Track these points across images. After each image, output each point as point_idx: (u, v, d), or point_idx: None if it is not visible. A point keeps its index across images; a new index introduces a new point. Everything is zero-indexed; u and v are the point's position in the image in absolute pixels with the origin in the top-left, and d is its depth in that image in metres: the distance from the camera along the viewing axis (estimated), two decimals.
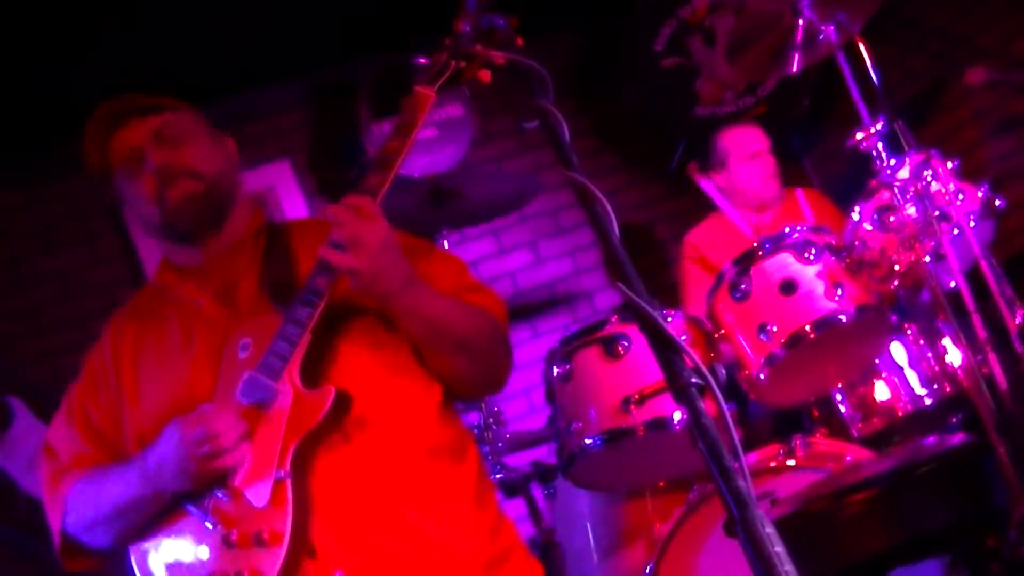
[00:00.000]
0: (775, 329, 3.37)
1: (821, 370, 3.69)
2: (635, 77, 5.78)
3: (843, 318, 3.34)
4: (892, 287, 3.45)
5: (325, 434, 2.28)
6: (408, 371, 2.44)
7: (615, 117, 5.99)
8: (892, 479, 2.57)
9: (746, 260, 3.47)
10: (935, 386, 3.77)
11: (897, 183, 3.40)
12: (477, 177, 5.10)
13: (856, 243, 3.44)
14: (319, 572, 2.25)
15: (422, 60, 4.64)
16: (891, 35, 5.11)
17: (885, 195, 3.43)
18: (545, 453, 4.36)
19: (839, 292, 3.35)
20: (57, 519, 2.47)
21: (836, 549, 2.56)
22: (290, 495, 2.22)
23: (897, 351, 3.81)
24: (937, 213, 3.33)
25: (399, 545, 2.29)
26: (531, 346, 5.36)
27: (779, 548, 1.25)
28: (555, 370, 3.48)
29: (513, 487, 4.11)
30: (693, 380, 1.41)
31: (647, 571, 3.41)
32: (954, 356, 3.69)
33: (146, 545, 2.41)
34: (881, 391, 3.81)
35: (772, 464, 3.41)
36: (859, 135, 3.52)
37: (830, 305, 3.36)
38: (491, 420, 4.11)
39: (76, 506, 2.45)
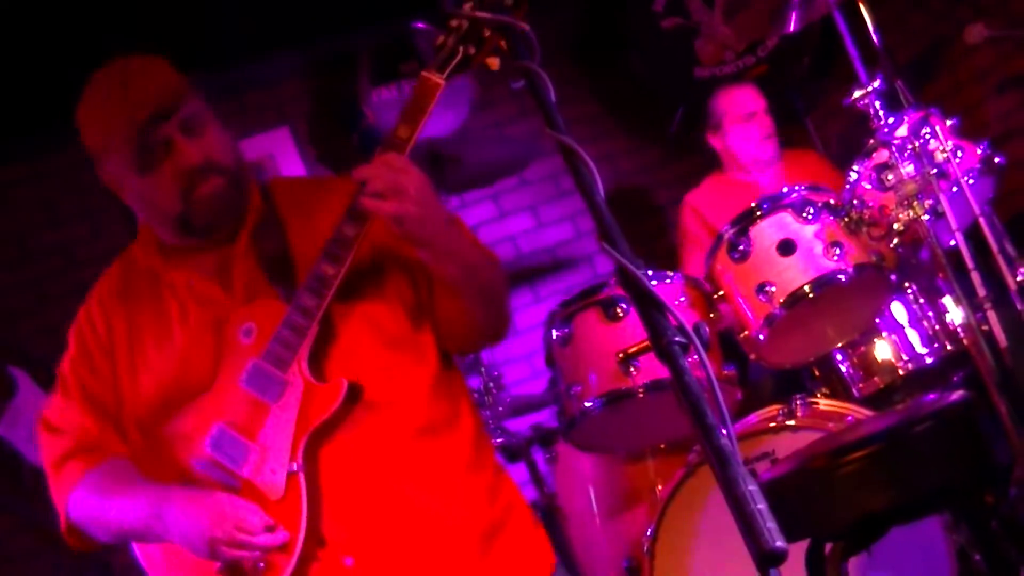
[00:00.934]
0: (774, 289, 3.37)
1: (821, 330, 3.69)
2: (635, 39, 5.75)
3: (842, 277, 3.34)
4: (891, 246, 3.44)
5: (336, 423, 2.27)
6: (405, 343, 2.41)
7: (615, 82, 5.97)
8: (890, 437, 2.56)
9: (744, 220, 3.47)
10: (936, 345, 3.78)
11: (895, 141, 3.38)
12: (477, 141, 5.09)
13: (855, 202, 3.43)
14: (329, 560, 2.25)
15: (420, 25, 4.63)
16: None
17: (883, 153, 3.42)
18: (546, 417, 4.36)
19: (838, 251, 3.35)
20: (63, 505, 2.45)
21: (835, 507, 2.56)
22: (303, 487, 2.23)
23: (897, 310, 3.81)
24: (935, 171, 3.31)
25: (401, 524, 2.29)
26: (532, 310, 5.36)
27: (761, 505, 1.25)
28: (554, 333, 3.48)
29: (514, 452, 4.12)
30: (676, 339, 1.40)
31: (648, 533, 3.42)
32: (954, 314, 3.68)
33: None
34: (882, 350, 3.81)
35: (772, 424, 3.41)
36: (856, 93, 3.50)
37: (829, 264, 3.36)
38: (491, 384, 4.12)
39: (81, 503, 2.42)
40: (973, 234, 3.42)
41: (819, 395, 3.80)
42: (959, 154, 3.40)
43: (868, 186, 3.44)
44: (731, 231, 3.48)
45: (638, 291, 1.44)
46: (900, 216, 3.35)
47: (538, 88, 1.72)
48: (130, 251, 2.57)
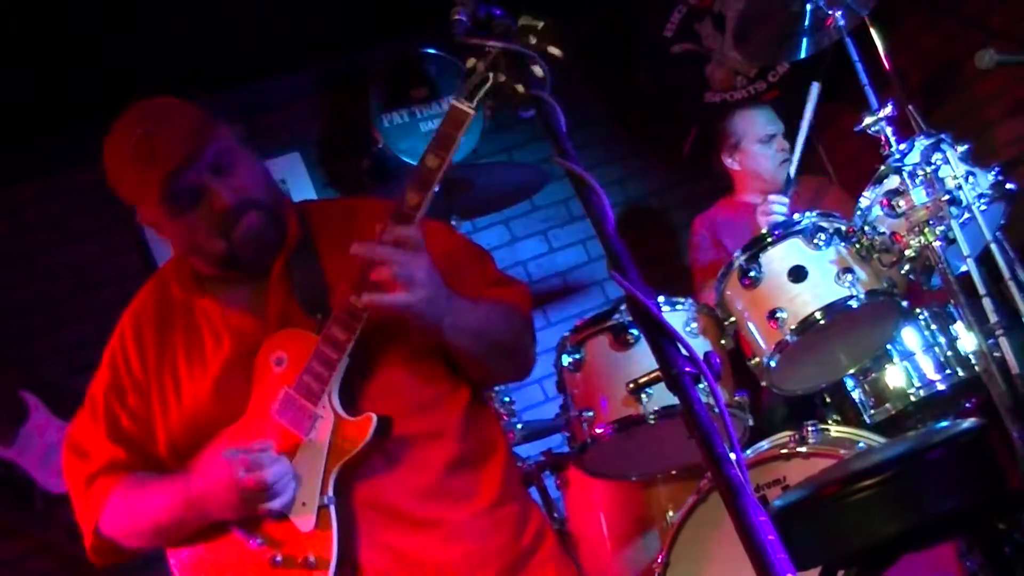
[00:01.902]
0: (785, 315, 3.36)
1: (833, 356, 3.68)
2: (645, 64, 5.77)
3: (854, 303, 3.34)
4: (903, 272, 3.44)
5: (366, 456, 2.28)
6: (439, 377, 2.43)
7: (628, 103, 5.97)
8: (902, 464, 2.56)
9: (755, 246, 3.46)
10: (948, 371, 3.76)
11: (906, 167, 3.38)
12: (488, 166, 5.09)
13: (866, 228, 3.43)
14: None
15: (431, 50, 4.65)
16: (903, 16, 5.08)
17: (895, 180, 3.41)
18: (558, 442, 4.35)
19: (850, 278, 3.35)
20: (91, 520, 2.47)
21: (847, 534, 2.55)
22: (335, 520, 2.25)
23: (909, 336, 3.80)
24: (947, 197, 3.30)
25: (436, 553, 2.31)
26: (544, 335, 5.30)
27: (771, 536, 1.24)
28: (566, 359, 3.48)
29: (526, 477, 4.11)
30: (687, 369, 1.40)
31: (659, 559, 3.41)
32: (966, 341, 3.67)
33: (187, 553, 2.44)
34: (894, 376, 3.79)
35: (784, 451, 3.40)
36: (867, 119, 3.51)
37: (840, 291, 3.35)
38: (503, 411, 4.11)
39: (114, 513, 2.44)
40: (985, 260, 3.41)
41: (831, 421, 3.79)
42: (971, 180, 3.39)
43: (880, 212, 3.44)
44: (742, 257, 3.47)
45: (648, 321, 1.44)
46: (912, 242, 3.35)
47: (548, 117, 1.72)
48: (164, 272, 2.57)
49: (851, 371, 3.78)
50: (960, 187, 3.34)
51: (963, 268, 3.35)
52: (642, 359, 3.30)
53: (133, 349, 2.49)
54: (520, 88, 2.02)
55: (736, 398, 3.45)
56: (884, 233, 3.41)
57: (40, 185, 5.24)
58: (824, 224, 3.45)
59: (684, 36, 5.68)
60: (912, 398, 3.77)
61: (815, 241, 3.41)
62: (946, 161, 3.39)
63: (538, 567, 2.42)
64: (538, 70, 1.92)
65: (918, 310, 3.80)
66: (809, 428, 3.44)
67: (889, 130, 3.48)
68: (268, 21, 5.05)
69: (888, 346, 3.75)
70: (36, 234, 5.22)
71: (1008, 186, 3.46)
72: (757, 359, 3.46)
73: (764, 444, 3.55)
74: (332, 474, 2.26)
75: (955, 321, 3.71)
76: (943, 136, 3.48)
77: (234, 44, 5.05)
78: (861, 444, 3.41)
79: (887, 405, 3.79)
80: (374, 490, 2.31)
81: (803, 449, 3.38)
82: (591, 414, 3.35)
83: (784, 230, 3.45)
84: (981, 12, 4.91)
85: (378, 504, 2.30)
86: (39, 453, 4.49)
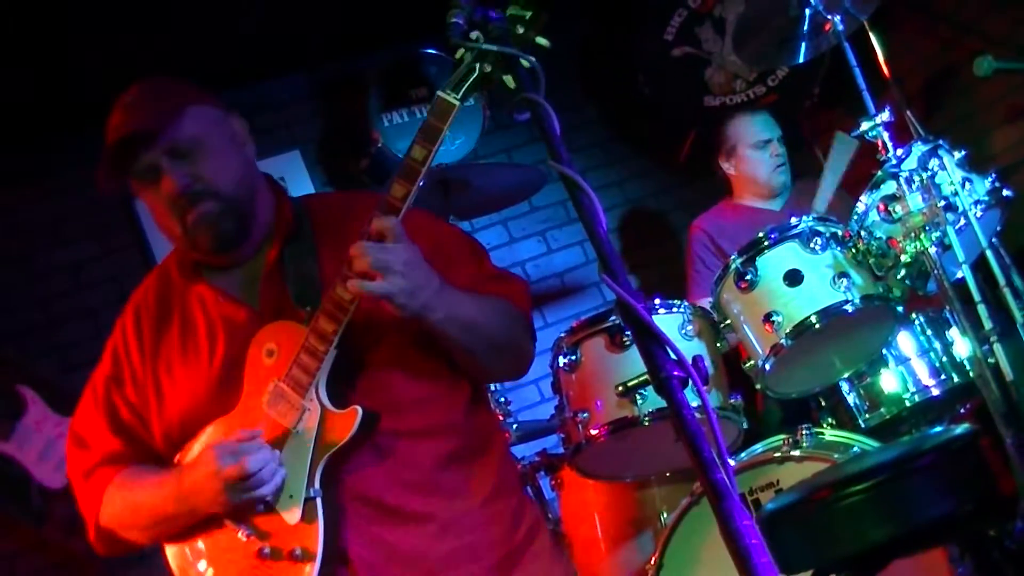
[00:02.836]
0: (781, 319, 3.36)
1: (827, 360, 3.69)
2: (645, 67, 5.77)
3: (849, 308, 3.34)
4: (898, 277, 3.44)
5: (353, 449, 2.29)
6: (437, 374, 2.44)
7: (627, 106, 5.98)
8: (894, 468, 2.56)
9: (751, 250, 3.47)
10: (943, 376, 3.76)
11: (903, 173, 3.38)
12: (487, 167, 5.10)
13: (862, 233, 3.43)
14: None
15: (430, 50, 4.64)
16: (901, 22, 5.09)
17: (891, 185, 3.42)
18: (554, 443, 4.36)
19: (845, 282, 3.35)
20: (92, 512, 2.50)
21: (838, 538, 2.55)
22: (321, 513, 2.26)
23: (904, 341, 3.80)
24: (943, 203, 3.31)
25: (428, 546, 2.32)
26: (541, 336, 5.30)
27: (755, 540, 1.25)
28: (561, 360, 3.49)
29: (521, 478, 4.11)
30: (675, 372, 1.41)
31: (653, 561, 3.42)
32: (961, 346, 3.67)
33: (182, 545, 2.46)
34: (888, 381, 3.79)
35: (777, 454, 3.41)
36: (864, 125, 3.51)
37: (836, 295, 3.35)
38: (499, 411, 4.12)
39: (112, 507, 2.48)
40: (980, 266, 3.41)
41: (825, 425, 3.80)
42: (967, 186, 3.39)
43: (876, 217, 3.44)
44: (738, 260, 3.48)
45: (638, 324, 1.45)
46: (908, 248, 3.35)
47: (542, 119, 1.73)
48: (168, 258, 2.60)
49: (846, 375, 3.79)
50: (957, 193, 3.35)
51: (959, 274, 3.35)
52: (638, 361, 3.25)
53: (133, 340, 2.52)
54: (509, 79, 2.03)
55: (731, 401, 3.45)
56: (880, 238, 3.41)
57: (39, 184, 5.25)
58: (821, 228, 3.46)
59: (684, 40, 5.70)
60: (907, 403, 3.77)
61: (811, 245, 3.41)
62: (943, 167, 3.40)
63: (531, 562, 2.43)
64: (528, 65, 1.92)
65: (913, 315, 3.80)
66: (803, 432, 3.44)
67: (886, 135, 3.49)
68: (268, 22, 5.06)
69: (883, 351, 3.76)
70: (34, 233, 5.23)
71: (1005, 192, 3.47)
72: (752, 362, 3.47)
73: (758, 447, 3.56)
74: (318, 467, 2.26)
75: (950, 327, 3.71)
76: (940, 142, 3.48)
77: (234, 44, 5.06)
78: (855, 448, 3.41)
79: (882, 409, 3.79)
80: (364, 484, 2.31)
81: (797, 453, 3.38)
82: (586, 415, 3.36)
83: (780, 234, 3.46)
84: (979, 18, 4.92)
85: (368, 498, 2.31)
86: (37, 448, 4.49)
